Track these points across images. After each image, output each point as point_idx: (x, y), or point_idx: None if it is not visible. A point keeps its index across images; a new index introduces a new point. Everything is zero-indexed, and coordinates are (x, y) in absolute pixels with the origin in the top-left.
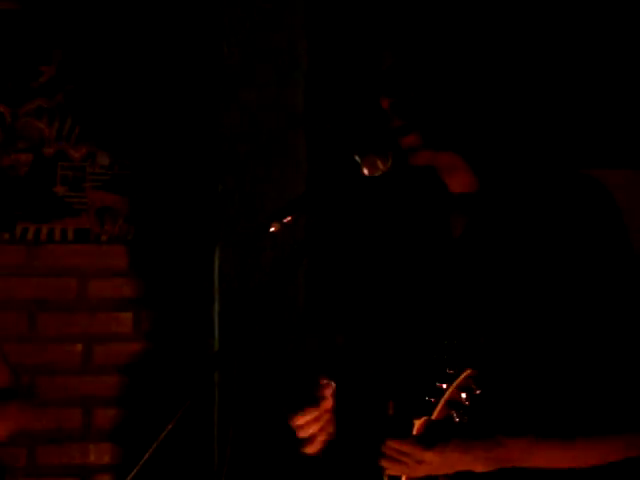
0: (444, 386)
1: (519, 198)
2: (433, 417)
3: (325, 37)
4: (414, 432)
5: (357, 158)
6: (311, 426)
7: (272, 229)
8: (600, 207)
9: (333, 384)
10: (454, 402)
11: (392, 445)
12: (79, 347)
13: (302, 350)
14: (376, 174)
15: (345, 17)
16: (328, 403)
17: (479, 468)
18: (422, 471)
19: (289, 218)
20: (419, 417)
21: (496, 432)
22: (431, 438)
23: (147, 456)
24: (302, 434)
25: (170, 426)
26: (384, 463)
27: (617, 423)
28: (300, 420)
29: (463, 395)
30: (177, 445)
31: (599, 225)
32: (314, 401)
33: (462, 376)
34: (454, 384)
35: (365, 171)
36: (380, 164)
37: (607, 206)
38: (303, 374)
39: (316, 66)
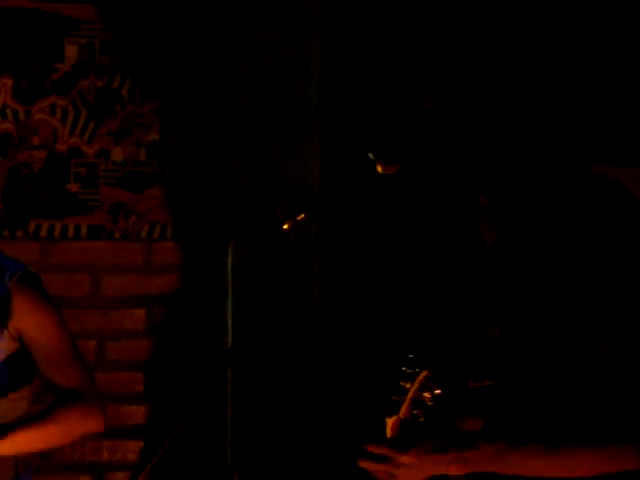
0: (407, 385)
1: (547, 204)
2: (400, 416)
3: (340, 32)
4: (388, 432)
5: (371, 156)
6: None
7: (285, 226)
8: (629, 209)
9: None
10: (418, 401)
11: (371, 449)
12: (92, 344)
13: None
14: (390, 172)
15: (360, 13)
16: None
17: (453, 470)
18: (401, 474)
19: (302, 215)
20: (390, 416)
21: (467, 435)
22: (405, 440)
23: (158, 454)
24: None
25: (181, 423)
26: (364, 464)
27: (600, 435)
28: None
29: (425, 395)
30: (190, 442)
31: (630, 230)
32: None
33: (421, 376)
34: (415, 384)
35: (379, 169)
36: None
37: (634, 207)
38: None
39: (330, 61)
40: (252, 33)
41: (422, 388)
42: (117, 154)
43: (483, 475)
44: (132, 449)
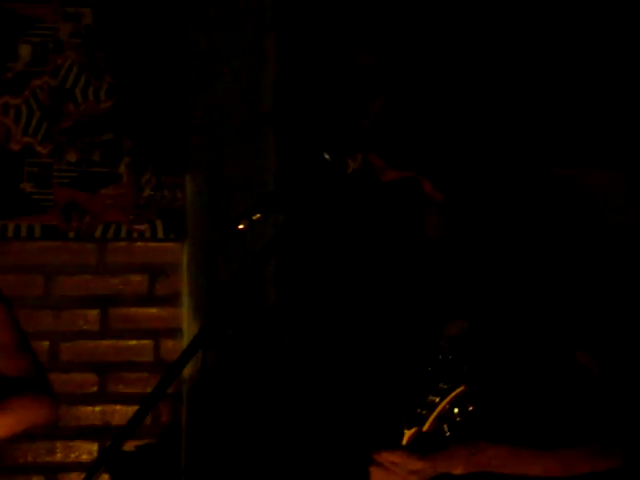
0: (437, 400)
1: (497, 200)
2: (424, 429)
3: (294, 34)
4: (404, 442)
5: (326, 156)
6: None
7: (240, 226)
8: (579, 208)
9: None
10: (445, 416)
11: (384, 455)
12: (46, 344)
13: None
14: (346, 172)
15: (314, 14)
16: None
17: (459, 470)
18: (411, 478)
19: (258, 215)
20: (410, 428)
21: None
22: (420, 448)
23: (112, 456)
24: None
25: (135, 423)
26: (374, 471)
27: (586, 437)
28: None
29: (455, 410)
30: (145, 445)
31: (581, 228)
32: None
33: (456, 392)
34: (447, 399)
35: (336, 169)
36: (350, 162)
37: (586, 207)
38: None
39: (285, 63)
40: (207, 33)
41: (454, 404)
42: (71, 154)
43: (484, 475)
44: (86, 450)
